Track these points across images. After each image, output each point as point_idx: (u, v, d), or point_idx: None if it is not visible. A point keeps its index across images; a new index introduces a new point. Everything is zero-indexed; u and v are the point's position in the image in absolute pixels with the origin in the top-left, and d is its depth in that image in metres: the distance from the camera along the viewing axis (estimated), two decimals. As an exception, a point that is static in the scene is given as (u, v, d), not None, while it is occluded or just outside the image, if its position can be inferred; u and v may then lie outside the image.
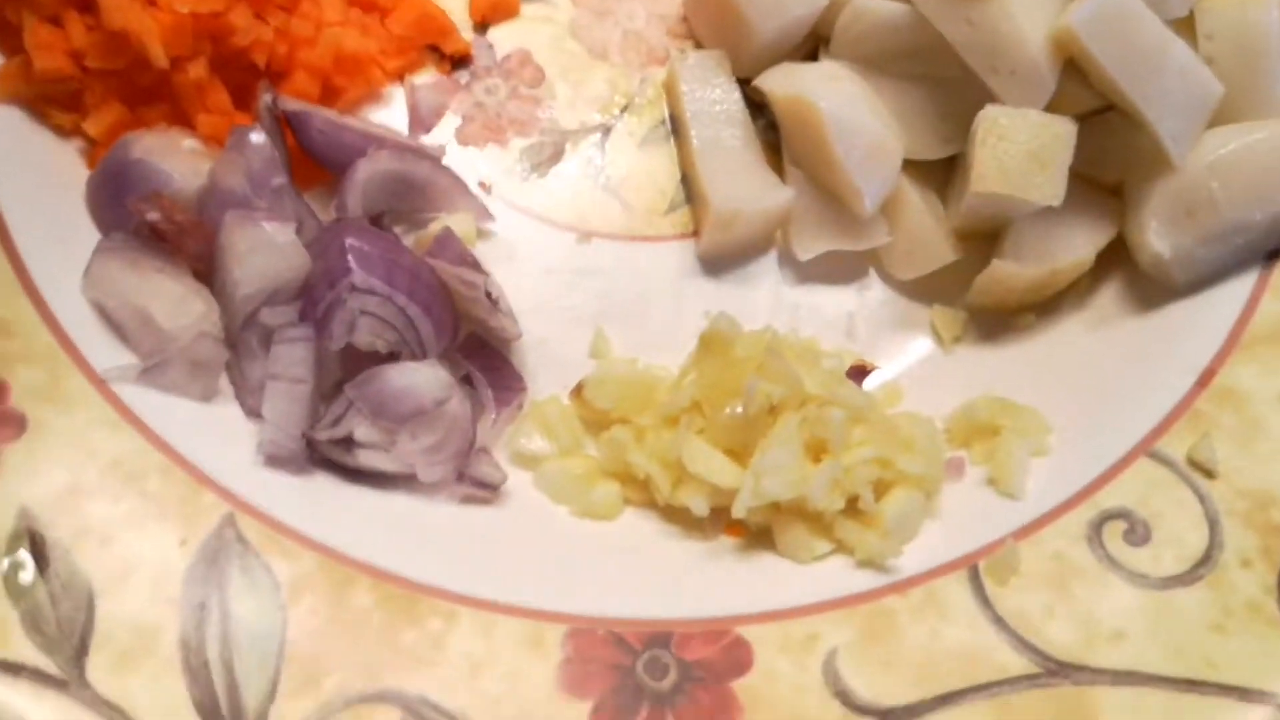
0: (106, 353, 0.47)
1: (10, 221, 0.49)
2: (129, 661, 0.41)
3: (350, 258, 0.48)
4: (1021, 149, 0.50)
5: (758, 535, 0.48)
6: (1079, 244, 0.53)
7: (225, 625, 0.42)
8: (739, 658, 0.44)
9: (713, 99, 0.56)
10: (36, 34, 0.50)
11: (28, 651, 0.40)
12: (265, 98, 0.52)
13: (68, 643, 0.41)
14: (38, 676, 0.40)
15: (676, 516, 0.49)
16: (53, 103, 0.52)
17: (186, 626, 0.42)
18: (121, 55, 0.50)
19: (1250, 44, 0.51)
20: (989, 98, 0.52)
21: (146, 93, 0.52)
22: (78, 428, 0.45)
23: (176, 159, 0.51)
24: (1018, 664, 0.43)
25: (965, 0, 0.50)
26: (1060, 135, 0.50)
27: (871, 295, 0.56)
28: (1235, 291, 0.52)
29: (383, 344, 0.48)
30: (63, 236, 0.49)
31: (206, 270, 0.50)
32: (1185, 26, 0.52)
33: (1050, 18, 0.50)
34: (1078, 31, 0.49)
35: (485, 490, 0.49)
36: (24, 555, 0.42)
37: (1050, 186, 0.50)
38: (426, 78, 0.58)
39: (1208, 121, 0.51)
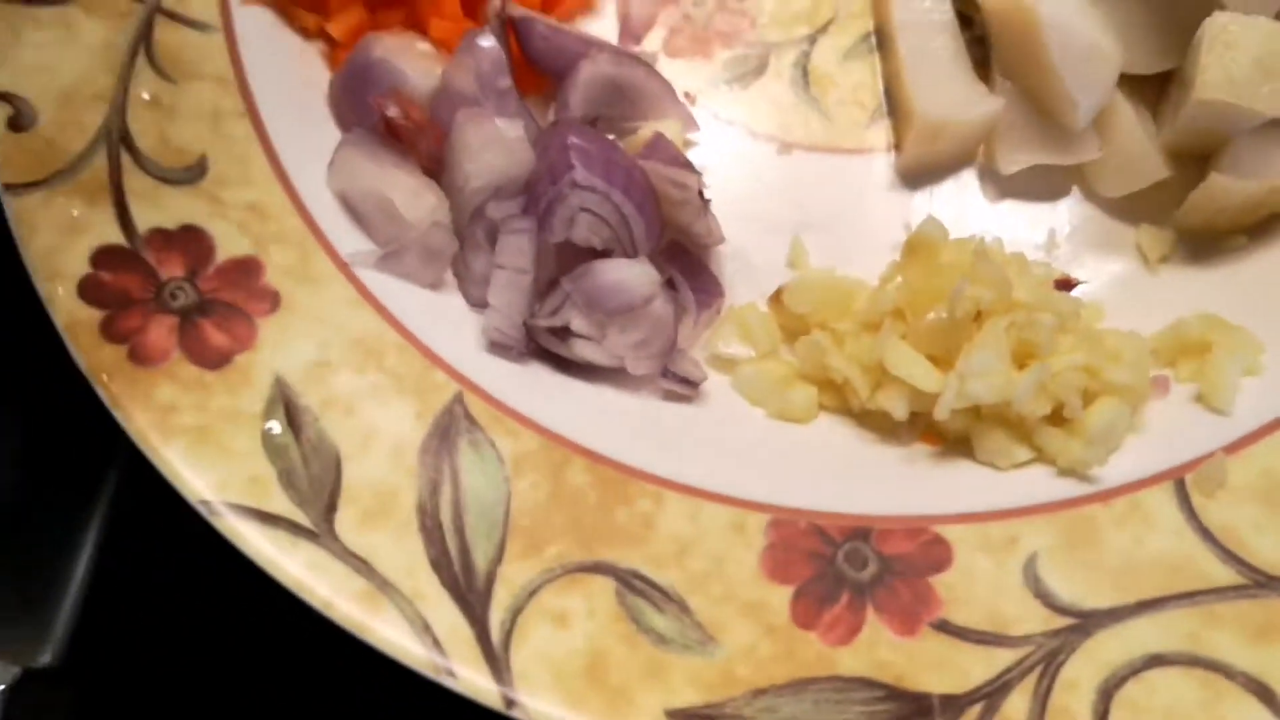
0: (348, 239, 0.50)
1: (265, 116, 0.52)
2: (372, 520, 0.44)
3: (573, 155, 0.49)
4: (1249, 56, 0.48)
5: (954, 444, 0.48)
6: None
7: (456, 494, 0.45)
8: (938, 555, 0.45)
9: (924, 7, 0.55)
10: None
11: (284, 505, 0.44)
12: (495, 3, 0.54)
13: (318, 500, 0.44)
14: (292, 527, 0.43)
15: (872, 422, 0.50)
16: (300, 5, 0.54)
17: (422, 492, 0.45)
18: (363, -38, 0.53)
19: None
20: (1209, 10, 0.50)
21: (383, -2, 0.54)
22: (324, 306, 0.48)
23: (412, 60, 0.53)
24: (1225, 575, 0.43)
25: (1197, -95, 0.48)
26: (1293, 46, 0.47)
27: (1074, 212, 0.55)
28: None
29: (598, 240, 0.50)
30: (310, 131, 0.52)
31: (436, 169, 0.52)
32: None
33: (1289, -77, 0.48)
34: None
35: (687, 387, 0.50)
36: (280, 420, 0.45)
37: (1277, 98, 0.47)
38: (637, -12, 0.59)
39: None
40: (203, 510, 0.43)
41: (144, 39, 0.51)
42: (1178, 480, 0.45)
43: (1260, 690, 0.40)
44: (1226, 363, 0.47)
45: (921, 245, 0.49)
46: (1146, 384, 0.47)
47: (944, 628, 0.43)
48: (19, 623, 0.53)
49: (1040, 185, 0.55)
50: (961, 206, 0.55)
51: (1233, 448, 0.46)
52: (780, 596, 0.44)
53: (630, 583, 0.44)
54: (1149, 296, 0.53)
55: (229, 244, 0.48)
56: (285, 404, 0.46)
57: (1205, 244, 0.54)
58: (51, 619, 0.52)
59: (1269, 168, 0.50)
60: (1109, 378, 0.46)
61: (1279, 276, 0.52)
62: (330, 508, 0.44)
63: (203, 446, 0.44)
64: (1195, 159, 0.53)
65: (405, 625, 0.42)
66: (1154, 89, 0.54)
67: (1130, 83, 0.54)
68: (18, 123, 0.48)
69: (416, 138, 0.52)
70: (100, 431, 0.47)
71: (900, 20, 0.55)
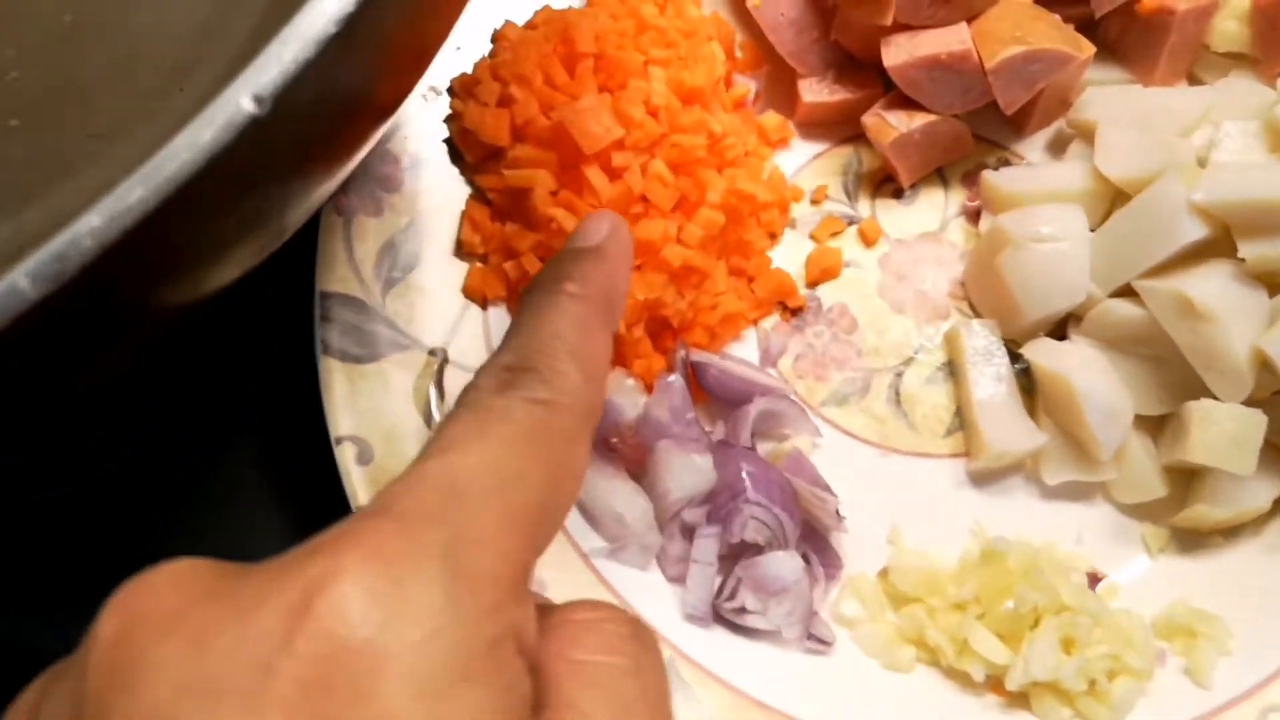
0: (585, 537, 0.68)
1: (521, 439, 0.70)
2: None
3: (746, 479, 0.68)
4: (1225, 433, 0.66)
5: (1015, 698, 0.66)
6: (1259, 494, 0.69)
7: (677, 735, 0.62)
8: (1007, 785, 0.63)
9: (989, 359, 0.74)
10: (538, 308, 0.71)
11: None
12: (680, 353, 0.72)
13: None
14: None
15: (955, 676, 0.68)
16: (540, 350, 0.73)
17: (654, 735, 0.62)
18: (591, 323, 0.71)
19: None
20: (1195, 378, 0.68)
21: (602, 345, 0.73)
22: (573, 585, 0.66)
23: (623, 394, 0.71)
24: (1205, 811, 0.61)
25: (1193, 317, 0.67)
26: (1256, 425, 0.66)
27: (1097, 512, 0.73)
28: (1380, 542, 0.68)
29: (762, 539, 0.68)
30: (550, 448, 0.71)
31: (639, 471, 0.70)
32: (1355, 344, 0.68)
33: (1253, 335, 0.66)
34: (1269, 353, 0.65)
35: (824, 646, 0.68)
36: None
37: (1245, 463, 0.66)
38: (773, 322, 0.78)
39: (1366, 419, 0.67)
40: None
41: (438, 384, 0.69)
42: (1171, 738, 0.64)
43: None
44: (1206, 648, 0.66)
45: (993, 554, 0.67)
46: (1153, 665, 0.66)
47: (1015, 843, 0.61)
48: None
49: (1073, 491, 0.73)
50: (1016, 503, 0.74)
51: (1208, 715, 0.64)
52: (898, 813, 0.62)
53: (794, 801, 0.62)
54: (1153, 579, 0.71)
55: (508, 543, 0.66)
56: (552, 665, 0.63)
57: (1193, 539, 0.72)
58: None
59: (1237, 500, 0.69)
60: (1127, 662, 0.65)
61: (1245, 570, 0.70)
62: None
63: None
64: (1188, 475, 0.72)
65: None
66: (1157, 423, 0.73)
67: (1140, 419, 0.72)
68: (361, 458, 0.66)
69: (628, 454, 0.70)
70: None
71: (972, 368, 0.74)
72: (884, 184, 0.81)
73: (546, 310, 0.43)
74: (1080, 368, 0.70)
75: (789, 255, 0.79)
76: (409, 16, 0.41)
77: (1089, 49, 0.74)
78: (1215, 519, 0.69)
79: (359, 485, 0.65)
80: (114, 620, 0.30)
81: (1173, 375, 0.70)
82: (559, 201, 0.69)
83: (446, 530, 0.32)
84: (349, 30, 0.36)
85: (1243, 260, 0.66)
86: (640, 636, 0.40)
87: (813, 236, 0.80)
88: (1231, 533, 0.72)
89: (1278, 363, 0.65)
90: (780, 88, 0.81)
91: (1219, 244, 0.68)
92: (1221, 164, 0.69)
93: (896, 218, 0.80)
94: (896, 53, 0.74)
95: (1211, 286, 0.67)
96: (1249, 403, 0.67)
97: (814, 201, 0.81)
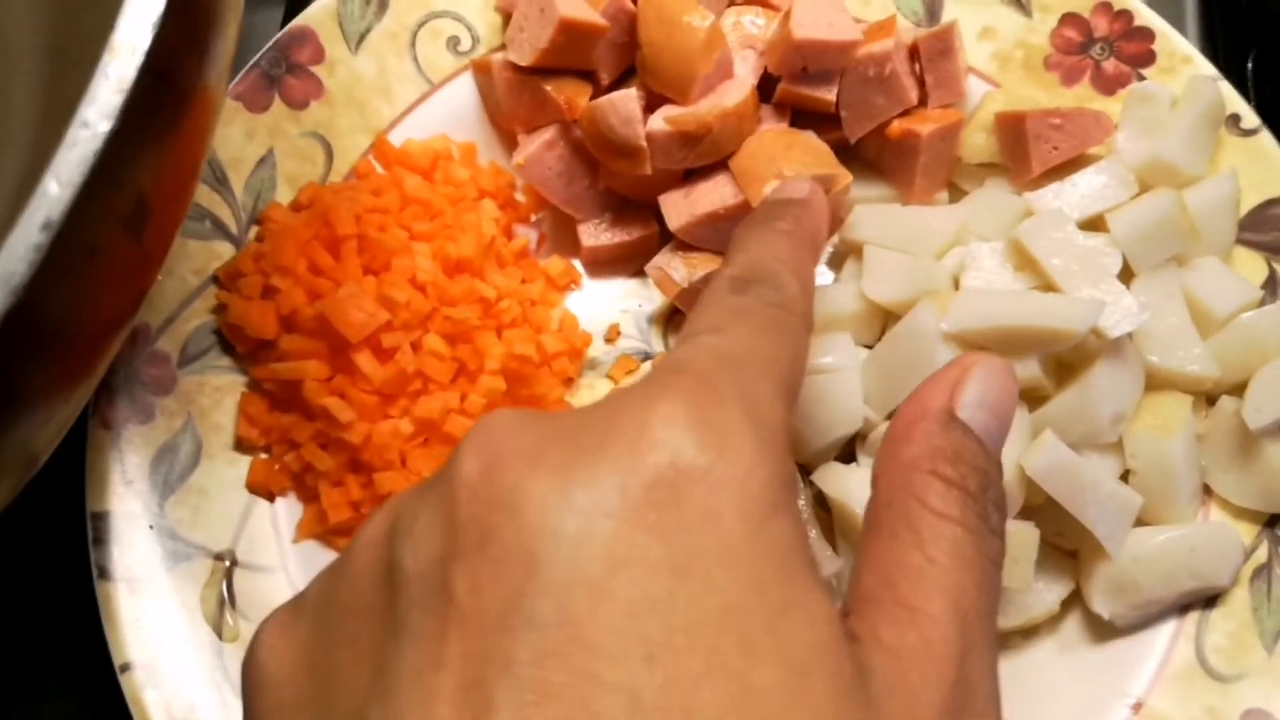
0: None
1: (319, 632, 0.67)
2: None
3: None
4: (1003, 549, 0.67)
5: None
6: (1046, 599, 0.70)
7: None
8: None
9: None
10: (329, 496, 0.68)
11: None
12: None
13: None
14: None
15: None
16: (337, 534, 0.70)
17: None
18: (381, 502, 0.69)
19: (1163, 466, 0.68)
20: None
21: (396, 521, 0.71)
22: None
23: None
24: None
25: (959, 438, 0.68)
26: (1028, 540, 0.67)
27: (902, 624, 0.74)
28: (1161, 636, 0.69)
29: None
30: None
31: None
32: (1116, 446, 0.69)
33: (1017, 452, 0.67)
34: (1032, 475, 0.66)
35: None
36: None
37: (1022, 579, 0.67)
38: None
39: (1133, 523, 0.68)
40: None
41: (229, 589, 0.66)
42: None
43: None
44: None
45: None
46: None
47: None
48: None
49: (876, 606, 0.73)
50: (823, 624, 0.74)
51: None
52: None
53: None
54: (957, 685, 0.71)
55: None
56: None
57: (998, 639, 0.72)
58: None
59: (1023, 610, 0.70)
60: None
61: (1041, 671, 0.70)
62: None
63: None
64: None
65: None
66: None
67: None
68: (152, 683, 0.62)
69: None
70: None
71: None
72: (676, 316, 0.81)
73: (766, 241, 0.48)
74: (861, 491, 0.70)
75: (588, 399, 0.79)
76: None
77: (845, 177, 0.75)
78: (1007, 628, 0.70)
79: (152, 712, 0.62)
80: (478, 457, 0.33)
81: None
82: (332, 389, 0.67)
83: (739, 388, 0.36)
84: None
85: (999, 381, 0.67)
86: None
87: (610, 377, 0.79)
88: (1029, 633, 0.72)
89: (1041, 483, 0.66)
90: (563, 230, 0.81)
91: (979, 363, 0.69)
92: (970, 289, 0.70)
93: (690, 348, 0.80)
94: (677, 215, 0.74)
95: (973, 408, 0.67)
96: (1024, 511, 0.68)
97: (608, 340, 0.80)
